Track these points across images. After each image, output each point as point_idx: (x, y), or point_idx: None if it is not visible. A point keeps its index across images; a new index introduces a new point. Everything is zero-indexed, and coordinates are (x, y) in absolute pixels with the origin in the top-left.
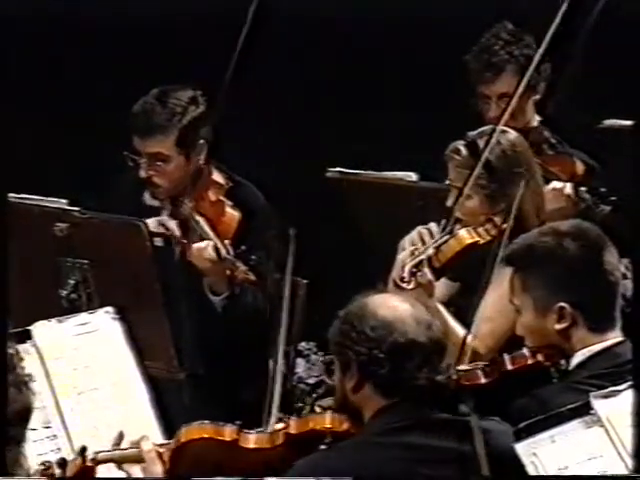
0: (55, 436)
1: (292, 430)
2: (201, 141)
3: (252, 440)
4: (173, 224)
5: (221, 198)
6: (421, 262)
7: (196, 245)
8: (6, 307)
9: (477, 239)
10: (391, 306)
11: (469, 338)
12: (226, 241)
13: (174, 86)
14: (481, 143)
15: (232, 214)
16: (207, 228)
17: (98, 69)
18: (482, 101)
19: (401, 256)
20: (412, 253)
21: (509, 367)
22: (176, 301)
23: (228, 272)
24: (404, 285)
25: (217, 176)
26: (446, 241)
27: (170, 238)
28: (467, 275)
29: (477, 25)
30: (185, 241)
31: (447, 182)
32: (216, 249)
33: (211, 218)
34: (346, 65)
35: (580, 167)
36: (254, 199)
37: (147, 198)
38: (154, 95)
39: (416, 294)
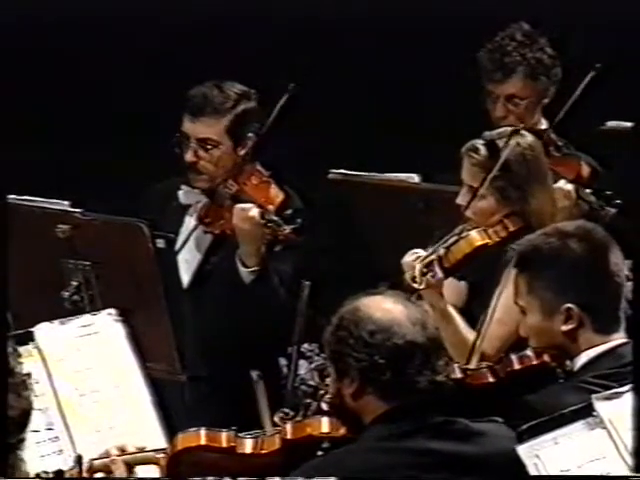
0: (57, 438)
1: (289, 435)
2: (250, 134)
3: (249, 446)
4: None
5: (265, 179)
6: (432, 262)
7: (240, 205)
8: (6, 307)
9: (487, 241)
10: (385, 308)
11: (478, 340)
12: (269, 206)
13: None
14: (500, 143)
15: (277, 192)
16: (251, 199)
17: (101, 69)
18: (490, 99)
19: (408, 258)
20: (417, 257)
21: (516, 367)
22: (179, 302)
23: (269, 237)
24: (415, 285)
25: (261, 168)
26: (456, 242)
27: (172, 240)
28: (475, 276)
29: (488, 24)
30: (221, 207)
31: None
32: (260, 213)
33: (254, 194)
34: (348, 65)
35: (586, 169)
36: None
37: (182, 195)
38: (212, 82)
39: (426, 294)
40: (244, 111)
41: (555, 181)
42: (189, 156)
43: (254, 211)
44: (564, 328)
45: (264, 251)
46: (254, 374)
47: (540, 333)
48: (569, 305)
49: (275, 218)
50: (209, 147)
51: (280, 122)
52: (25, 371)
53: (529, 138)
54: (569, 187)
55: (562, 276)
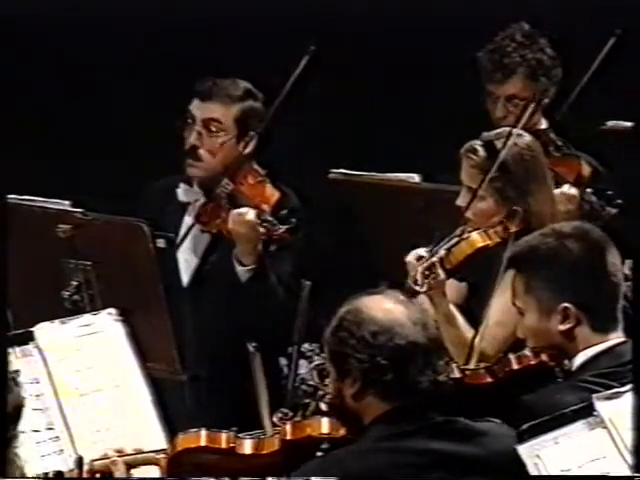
0: (58, 438)
1: (288, 436)
2: (252, 132)
3: (248, 446)
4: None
5: (260, 179)
6: (433, 264)
7: (236, 210)
8: (6, 307)
9: (488, 242)
10: (386, 309)
11: (477, 340)
12: (264, 206)
13: None
14: (498, 144)
15: (272, 192)
16: (247, 199)
17: (101, 69)
18: (490, 99)
19: (410, 258)
20: (419, 258)
21: (515, 367)
22: (179, 302)
23: (264, 237)
24: (417, 288)
25: (257, 167)
26: (457, 243)
27: (172, 240)
28: (474, 276)
29: (488, 24)
30: (218, 207)
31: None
32: (256, 214)
33: (250, 194)
34: (348, 64)
35: (586, 169)
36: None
37: (180, 193)
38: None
39: (429, 296)
40: (251, 107)
41: (557, 183)
42: (192, 139)
43: (250, 214)
44: (561, 327)
45: (261, 250)
46: (250, 346)
47: (538, 333)
48: (566, 304)
49: (270, 218)
50: (214, 129)
51: (299, 86)
52: (14, 368)
53: (527, 138)
54: (573, 191)
55: (559, 276)
